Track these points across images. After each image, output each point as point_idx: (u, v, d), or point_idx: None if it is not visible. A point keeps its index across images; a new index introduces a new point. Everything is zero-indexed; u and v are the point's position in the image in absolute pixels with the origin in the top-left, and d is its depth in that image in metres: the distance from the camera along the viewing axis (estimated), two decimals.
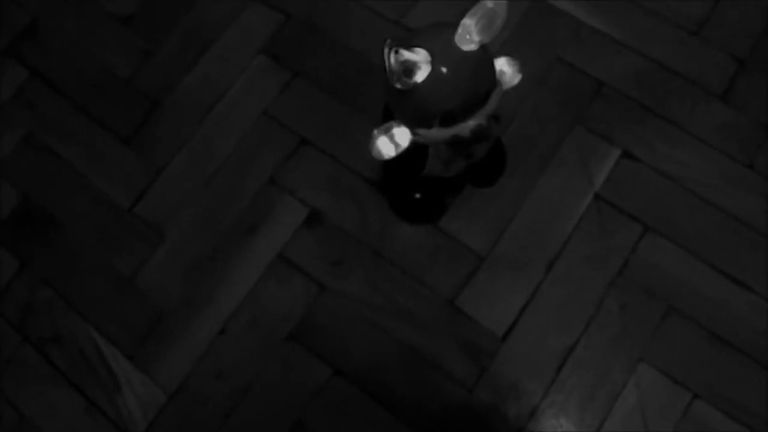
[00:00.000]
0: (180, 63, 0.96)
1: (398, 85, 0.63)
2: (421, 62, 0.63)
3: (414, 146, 0.70)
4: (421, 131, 0.69)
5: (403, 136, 0.70)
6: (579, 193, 0.85)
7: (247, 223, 0.87)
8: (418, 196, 0.84)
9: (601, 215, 0.84)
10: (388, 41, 0.62)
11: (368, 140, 0.70)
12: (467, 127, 0.68)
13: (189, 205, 0.89)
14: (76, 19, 1.00)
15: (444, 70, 0.64)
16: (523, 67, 0.71)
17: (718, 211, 0.83)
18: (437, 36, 0.65)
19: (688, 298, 0.80)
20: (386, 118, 0.71)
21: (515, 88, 0.71)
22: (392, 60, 0.62)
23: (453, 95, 0.65)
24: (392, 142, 0.70)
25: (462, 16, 0.62)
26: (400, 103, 0.69)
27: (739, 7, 0.92)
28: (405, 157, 0.71)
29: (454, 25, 0.63)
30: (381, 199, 0.87)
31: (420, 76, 0.63)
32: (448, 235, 0.85)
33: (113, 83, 0.96)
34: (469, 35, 0.63)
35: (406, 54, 0.62)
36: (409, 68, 0.62)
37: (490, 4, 0.62)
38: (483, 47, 0.65)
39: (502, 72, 0.70)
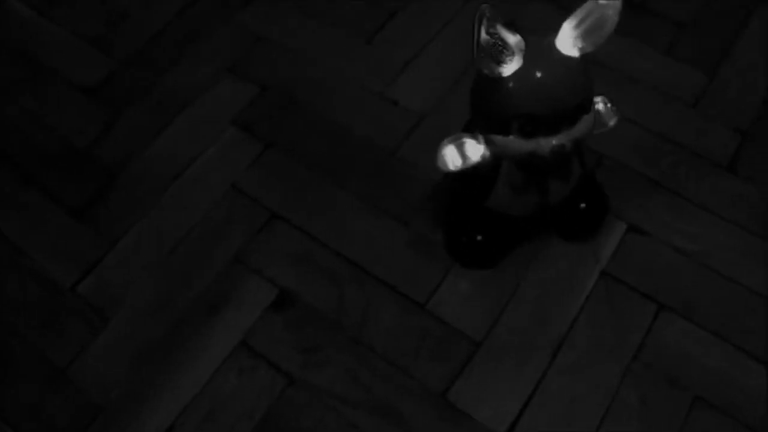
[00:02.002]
0: (142, 134, 0.88)
1: (482, 67, 0.57)
2: (513, 48, 0.56)
3: (483, 168, 0.64)
4: (497, 138, 0.62)
5: (473, 148, 0.63)
6: (584, 270, 0.76)
7: (207, 305, 0.76)
8: (479, 238, 0.75)
9: (609, 294, 0.74)
10: (486, 9, 0.54)
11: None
12: (548, 143, 0.60)
13: (141, 284, 0.78)
14: (35, 88, 0.93)
15: (535, 68, 0.58)
16: (619, 110, 0.66)
17: (738, 287, 0.74)
18: (539, 35, 0.59)
19: (716, 387, 0.69)
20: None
21: None
22: (484, 33, 0.55)
23: (539, 99, 0.59)
24: (461, 153, 0.63)
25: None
26: (480, 96, 0.63)
27: (736, 79, 0.88)
28: (471, 178, 0.65)
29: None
30: (361, 278, 0.77)
31: (509, 67, 0.57)
32: (438, 317, 0.74)
33: (69, 154, 0.87)
34: (570, 38, 0.58)
35: (502, 31, 0.55)
36: (499, 51, 0.56)
37: (599, 3, 0.56)
38: (584, 59, 0.59)
39: (597, 112, 0.65)
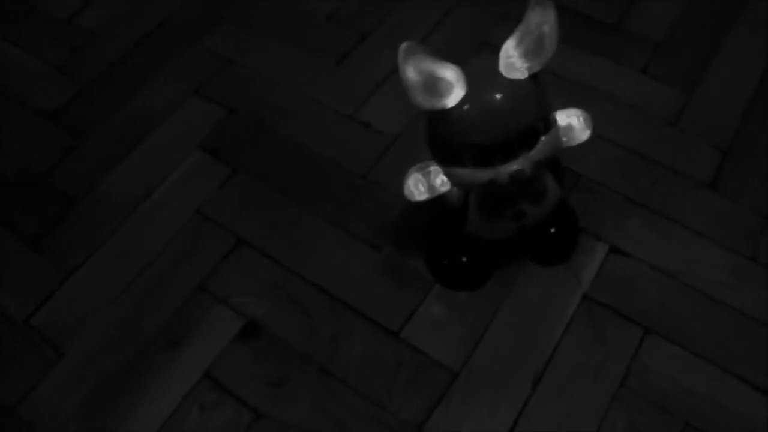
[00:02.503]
0: (104, 159, 0.84)
1: (421, 104, 0.55)
2: (449, 80, 0.53)
3: (453, 196, 0.62)
4: (453, 171, 0.59)
5: (440, 177, 0.61)
6: (566, 294, 0.73)
7: (169, 336, 0.72)
8: (464, 259, 0.72)
9: (593, 318, 0.71)
10: (408, 47, 0.52)
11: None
12: (506, 170, 0.57)
13: (99, 315, 0.73)
14: None
15: (479, 95, 0.55)
16: (592, 121, 0.63)
17: (725, 308, 0.71)
18: (480, 60, 0.57)
19: (706, 412, 0.65)
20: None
21: None
22: (412, 73, 0.52)
23: (487, 127, 0.55)
24: (427, 182, 0.61)
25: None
26: (429, 130, 0.59)
27: (714, 96, 0.87)
28: (444, 205, 0.63)
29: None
30: (332, 306, 0.73)
31: (450, 98, 0.54)
32: (413, 346, 0.70)
33: (27, 180, 0.83)
34: (512, 60, 0.55)
35: (432, 66, 0.53)
36: (433, 84, 0.53)
37: (535, 20, 0.53)
38: (534, 78, 0.56)
39: (569, 126, 0.62)
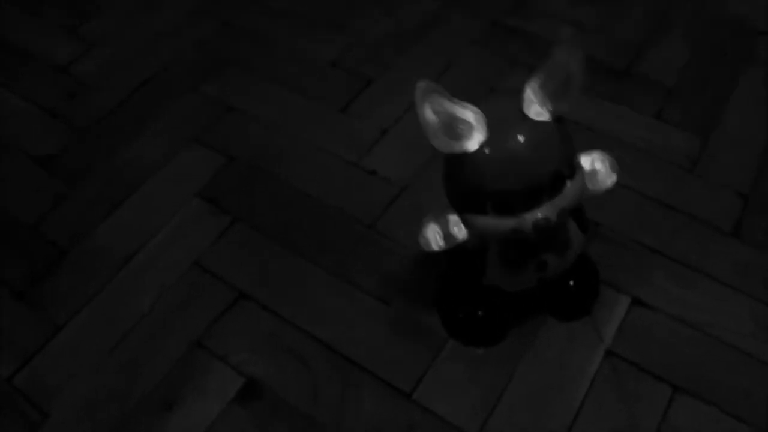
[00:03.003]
0: (97, 208, 0.81)
1: (439, 147, 0.52)
2: (468, 121, 0.51)
3: (472, 245, 0.58)
4: (474, 219, 0.55)
5: (457, 226, 0.57)
6: (587, 350, 0.68)
7: (162, 398, 0.66)
8: (480, 313, 0.68)
9: (617, 376, 0.66)
10: (425, 87, 0.49)
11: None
12: (530, 218, 0.53)
13: (86, 374, 0.68)
14: None
15: (502, 138, 0.52)
16: (618, 165, 0.60)
17: (755, 362, 0.66)
18: (501, 101, 0.54)
19: None
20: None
21: None
22: (429, 113, 0.49)
23: (511, 172, 0.52)
24: (445, 231, 0.57)
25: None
26: (449, 175, 0.56)
27: (730, 141, 0.84)
28: (461, 256, 0.59)
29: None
30: (338, 364, 0.68)
31: (471, 141, 0.51)
32: (425, 408, 0.65)
33: (15, 230, 0.79)
34: (536, 101, 0.51)
35: (451, 106, 0.50)
36: (452, 126, 0.50)
37: (560, 59, 0.50)
38: (559, 121, 0.53)
39: (594, 171, 0.58)
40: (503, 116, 0.52)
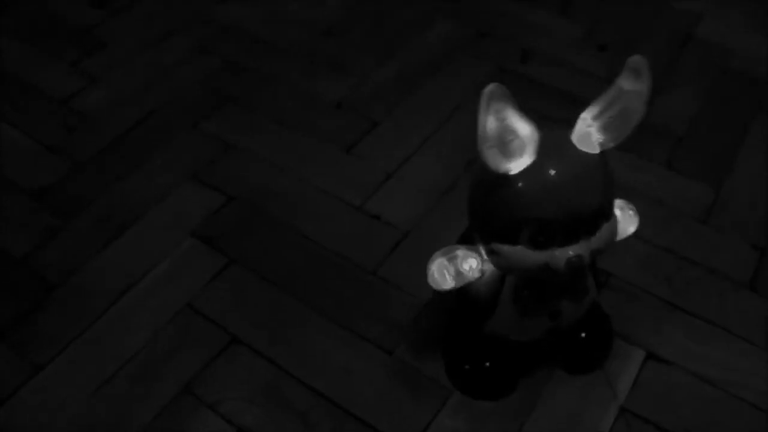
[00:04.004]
0: (89, 243, 0.77)
1: (488, 161, 0.48)
2: (524, 139, 0.48)
3: (483, 287, 0.55)
4: (503, 249, 0.51)
5: (469, 263, 0.54)
6: (600, 406, 0.64)
7: None
8: (487, 364, 0.64)
9: None
10: (496, 89, 0.46)
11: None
12: (564, 255, 0.50)
13: (67, 418, 0.64)
14: None
15: (549, 164, 0.49)
16: (637, 213, 0.58)
17: None
18: (553, 128, 0.50)
19: None
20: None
21: None
22: (492, 120, 0.46)
23: (554, 201, 0.49)
24: (455, 269, 0.54)
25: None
26: (483, 197, 0.52)
27: (743, 191, 0.82)
28: (471, 297, 0.56)
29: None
30: (336, 416, 0.64)
31: (518, 163, 0.48)
32: None
33: (2, 263, 0.76)
34: (589, 131, 0.49)
35: (513, 118, 0.47)
36: (509, 142, 0.47)
37: (623, 91, 0.48)
38: (604, 156, 0.51)
39: (615, 218, 0.55)
40: (552, 142, 0.50)
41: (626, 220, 0.57)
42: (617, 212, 0.56)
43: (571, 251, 0.50)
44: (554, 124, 0.51)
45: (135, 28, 1.06)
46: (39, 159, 0.87)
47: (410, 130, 0.90)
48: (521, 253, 0.51)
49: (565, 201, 0.49)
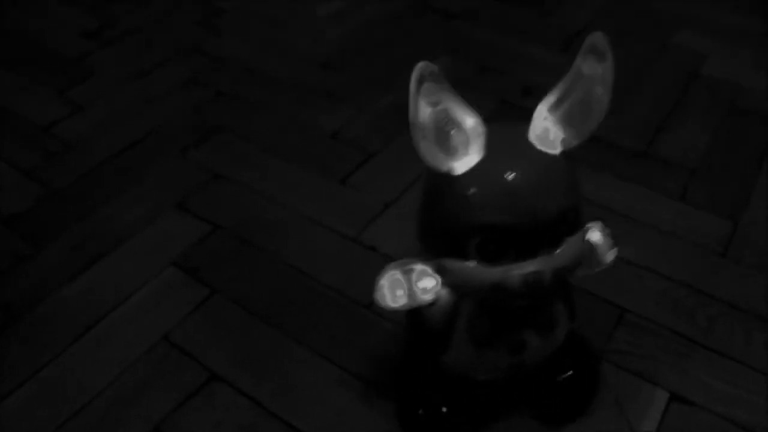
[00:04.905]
0: (61, 272, 0.72)
1: (426, 157, 0.42)
2: (468, 132, 0.41)
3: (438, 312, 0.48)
4: (451, 264, 0.44)
5: (425, 282, 0.46)
6: None
7: None
8: (444, 409, 0.55)
9: None
10: (428, 69, 0.40)
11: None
12: (520, 271, 0.43)
13: None
14: None
15: (500, 162, 0.42)
16: (615, 240, 0.51)
17: None
18: (506, 125, 0.44)
19: None
20: None
21: None
22: (425, 107, 0.40)
23: (506, 204, 0.42)
24: (408, 285, 0.46)
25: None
26: (428, 203, 0.46)
27: (762, 223, 0.77)
28: (424, 325, 0.49)
29: None
30: None
31: (463, 161, 0.42)
32: None
33: None
34: (547, 125, 0.43)
35: (451, 105, 0.41)
36: (447, 132, 0.41)
37: (584, 75, 0.42)
38: (567, 157, 0.44)
39: (591, 245, 0.49)
40: (505, 139, 0.44)
41: (604, 247, 0.50)
42: (595, 237, 0.49)
43: (531, 267, 0.43)
44: (513, 122, 0.45)
45: (125, 59, 1.04)
46: (13, 184, 0.82)
47: (407, 161, 0.85)
48: (472, 270, 0.44)
49: (517, 204, 0.42)
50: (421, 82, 0.40)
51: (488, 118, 0.43)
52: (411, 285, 0.47)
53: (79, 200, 0.80)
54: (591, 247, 0.49)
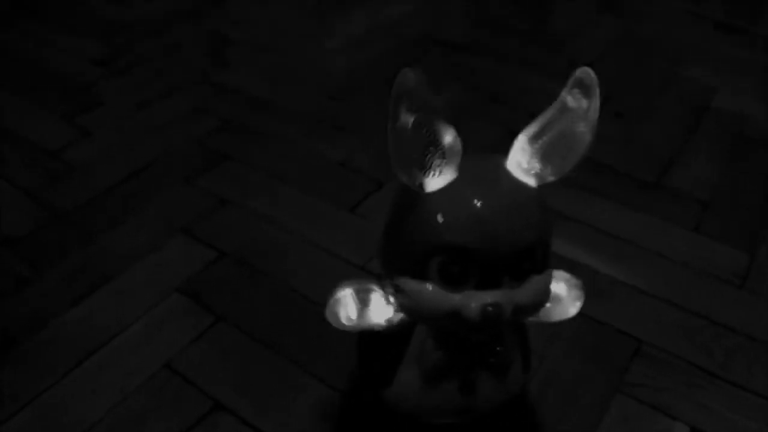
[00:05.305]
0: (62, 297, 0.70)
1: (399, 169, 0.40)
2: (446, 147, 0.39)
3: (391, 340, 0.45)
4: (409, 284, 0.42)
5: (377, 302, 0.44)
6: None
7: None
8: None
9: None
10: (411, 76, 0.38)
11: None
12: (480, 300, 0.40)
13: None
14: None
15: (473, 185, 0.41)
16: (583, 291, 0.48)
17: None
18: (486, 155, 0.43)
19: None
20: None
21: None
22: (405, 114, 0.38)
23: (473, 227, 0.40)
24: (359, 306, 0.44)
25: None
26: (393, 219, 0.44)
27: None
28: (373, 349, 0.47)
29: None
30: None
31: (435, 179, 0.40)
32: None
33: None
34: (525, 156, 0.41)
35: (432, 117, 0.39)
36: (425, 147, 0.39)
37: (568, 105, 0.40)
38: (541, 194, 0.42)
39: (556, 296, 0.47)
40: (482, 165, 0.43)
41: (569, 299, 0.47)
42: (560, 289, 0.47)
43: (489, 297, 0.41)
44: (493, 153, 0.44)
45: (134, 87, 1.04)
46: (17, 206, 0.81)
47: None
48: (430, 293, 0.42)
49: (484, 229, 0.40)
50: (405, 90, 0.38)
51: (494, 148, 0.43)
52: (364, 306, 0.45)
53: (83, 224, 0.79)
54: (556, 298, 0.47)
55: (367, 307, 0.45)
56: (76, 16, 1.23)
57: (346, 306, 0.45)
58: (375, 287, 0.45)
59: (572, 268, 0.49)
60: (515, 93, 1.03)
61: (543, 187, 0.43)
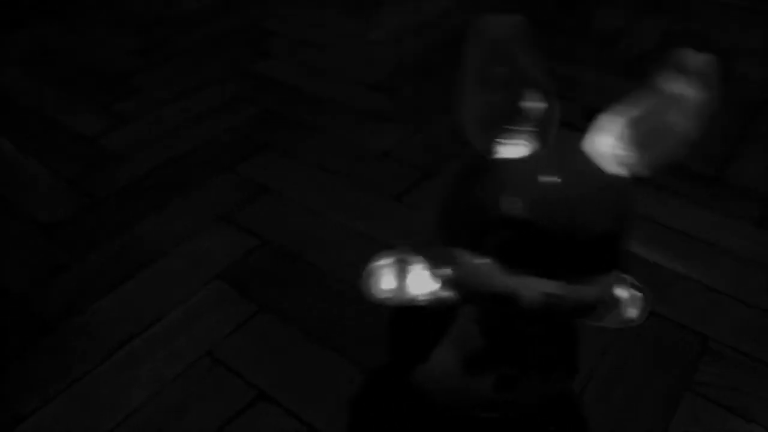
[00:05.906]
0: (99, 283, 0.68)
1: (474, 131, 0.35)
2: (531, 113, 0.34)
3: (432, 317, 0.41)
4: (463, 257, 0.37)
5: (418, 273, 0.40)
6: None
7: None
8: None
9: None
10: (512, 23, 0.32)
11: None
12: (539, 287, 0.36)
13: None
14: None
15: (549, 161, 0.36)
16: (649, 301, 0.43)
17: None
18: (575, 133, 0.37)
19: None
20: None
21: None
22: (489, 60, 0.33)
23: (544, 203, 0.35)
24: (399, 278, 0.41)
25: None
26: (457, 185, 0.39)
27: None
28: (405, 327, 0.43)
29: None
30: None
31: (513, 147, 0.35)
32: None
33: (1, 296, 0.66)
34: (616, 140, 0.36)
35: (525, 73, 0.33)
36: (507, 111, 0.34)
37: (666, 95, 0.35)
38: (629, 183, 0.37)
39: (618, 301, 0.42)
40: (566, 141, 0.37)
41: (630, 304, 0.43)
42: (623, 293, 0.42)
43: (550, 287, 0.35)
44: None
45: (172, 77, 1.02)
46: (55, 192, 0.79)
47: None
48: (487, 268, 0.36)
49: (558, 210, 0.35)
50: (501, 34, 0.33)
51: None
52: (403, 278, 0.41)
53: (121, 211, 0.77)
54: (617, 302, 0.42)
55: (408, 279, 0.41)
56: (115, 10, 1.23)
57: (384, 276, 0.42)
58: (418, 258, 0.41)
59: (634, 263, 0.45)
60: (564, 88, 1.00)
61: (631, 177, 0.37)
